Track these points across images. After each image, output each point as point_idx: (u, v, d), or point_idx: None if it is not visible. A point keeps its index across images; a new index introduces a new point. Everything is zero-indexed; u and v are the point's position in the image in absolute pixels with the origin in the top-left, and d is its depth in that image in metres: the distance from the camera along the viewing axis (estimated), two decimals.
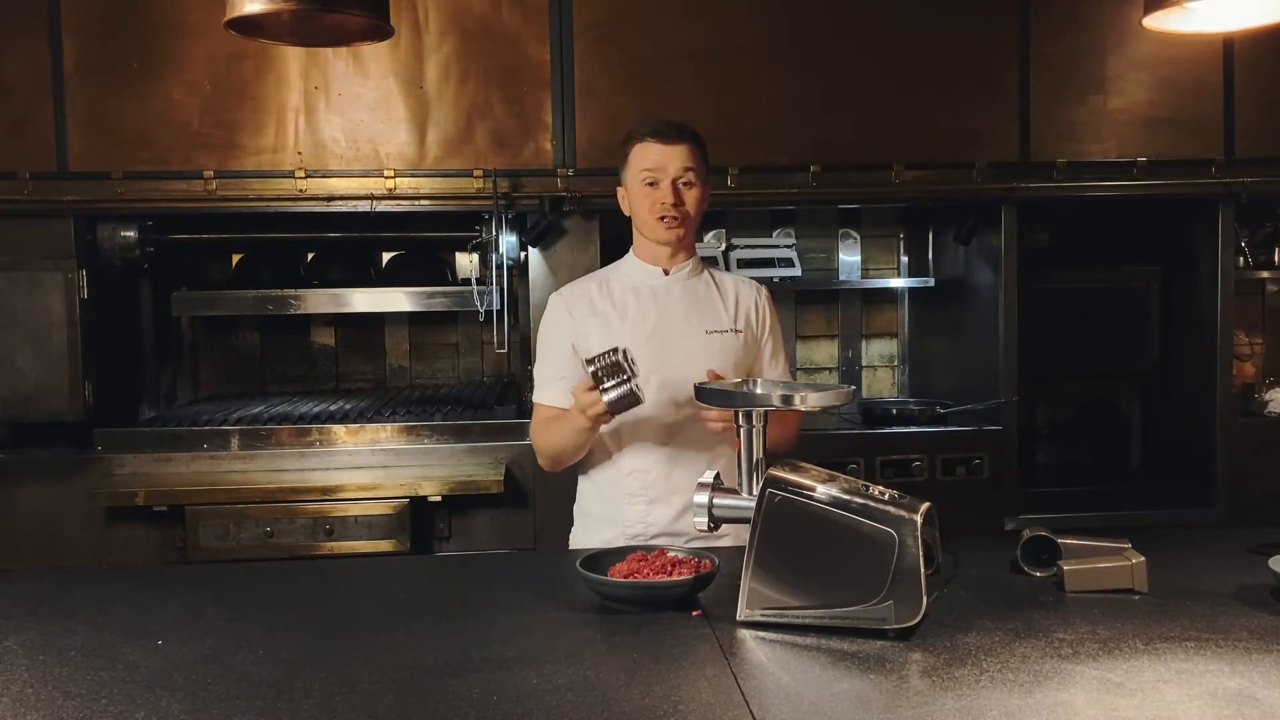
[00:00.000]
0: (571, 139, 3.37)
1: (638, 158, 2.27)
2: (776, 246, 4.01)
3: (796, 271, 3.94)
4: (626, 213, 2.35)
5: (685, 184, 2.26)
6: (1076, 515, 3.47)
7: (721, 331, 2.30)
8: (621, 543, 2.19)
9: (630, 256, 2.38)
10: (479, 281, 3.51)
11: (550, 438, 2.27)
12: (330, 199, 3.34)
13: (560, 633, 1.69)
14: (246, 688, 1.46)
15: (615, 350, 2.04)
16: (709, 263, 2.46)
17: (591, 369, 2.05)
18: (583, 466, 2.37)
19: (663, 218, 2.25)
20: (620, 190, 2.35)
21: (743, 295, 2.37)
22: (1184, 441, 3.78)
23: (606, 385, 2.03)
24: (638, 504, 2.27)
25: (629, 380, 2.03)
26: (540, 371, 2.36)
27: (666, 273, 2.33)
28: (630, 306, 2.30)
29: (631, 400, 2.05)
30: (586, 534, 2.36)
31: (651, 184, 2.25)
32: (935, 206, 3.88)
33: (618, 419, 2.15)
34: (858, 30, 3.46)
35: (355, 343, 4.15)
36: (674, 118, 2.31)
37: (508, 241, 3.41)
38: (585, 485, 2.38)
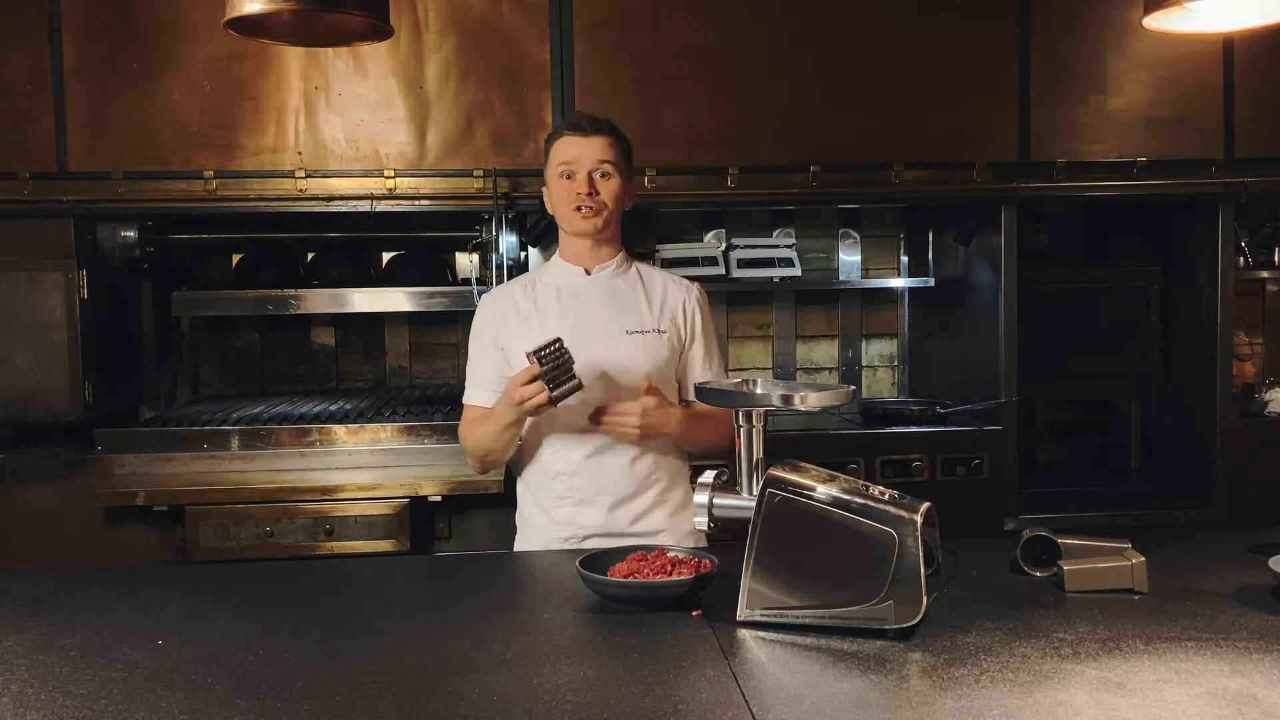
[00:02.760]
0: None
1: (556, 152, 2.29)
2: (776, 246, 4.00)
3: (796, 271, 3.94)
4: (550, 211, 2.36)
5: (602, 175, 2.26)
6: (1076, 515, 3.47)
7: (643, 332, 2.29)
8: (556, 546, 2.23)
9: (556, 258, 2.39)
10: (479, 281, 3.51)
11: (478, 437, 2.28)
12: (330, 199, 3.34)
13: (560, 633, 1.69)
14: (246, 688, 1.46)
15: (557, 341, 2.08)
16: (642, 259, 2.45)
17: (539, 358, 2.07)
18: (519, 472, 2.37)
19: (578, 208, 2.25)
20: (544, 190, 2.37)
21: (670, 295, 2.35)
22: (1184, 441, 3.78)
23: (551, 375, 2.08)
24: (565, 506, 2.27)
25: (569, 368, 2.08)
26: (469, 373, 2.37)
27: (588, 272, 2.33)
28: (551, 307, 2.31)
29: (574, 388, 2.10)
30: (525, 540, 2.36)
31: (568, 176, 2.27)
32: (935, 206, 3.88)
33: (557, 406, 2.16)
34: (858, 30, 3.46)
35: (355, 343, 4.15)
36: (595, 114, 2.33)
37: (508, 241, 3.41)
38: (522, 492, 2.39)
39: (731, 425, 2.32)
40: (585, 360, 2.20)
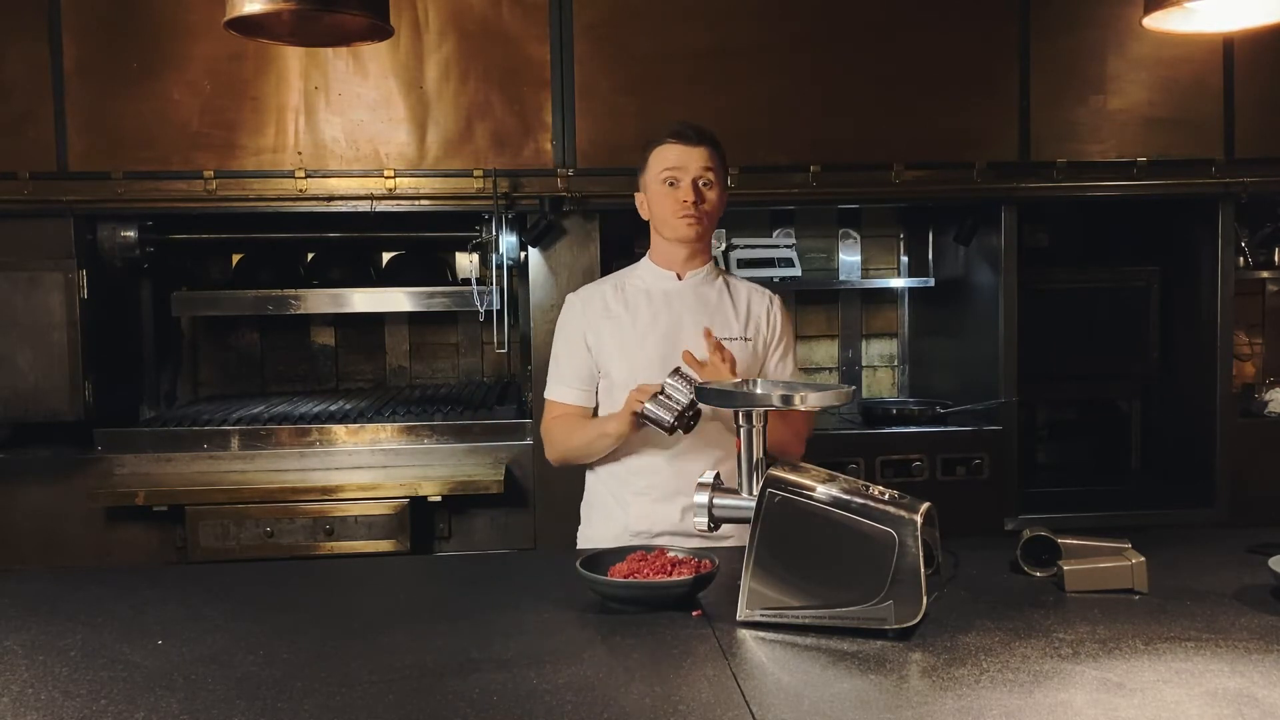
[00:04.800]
0: (571, 139, 3.37)
1: (658, 159, 2.30)
2: (776, 246, 4.01)
3: (796, 271, 3.94)
4: (645, 216, 2.38)
5: (705, 184, 2.29)
6: (1076, 515, 3.47)
7: (731, 339, 2.32)
8: (626, 540, 2.21)
9: (646, 260, 2.41)
10: (479, 281, 3.51)
11: (574, 439, 2.32)
12: (330, 199, 3.34)
13: (560, 633, 1.69)
14: (246, 688, 1.46)
15: (692, 382, 2.09)
16: (723, 270, 2.47)
17: (672, 382, 2.10)
18: (591, 465, 2.39)
19: (684, 215, 2.27)
20: (639, 195, 2.38)
21: (755, 303, 2.39)
22: (1184, 441, 3.78)
23: (666, 400, 2.09)
24: (643, 502, 2.29)
25: (683, 414, 2.09)
26: (554, 369, 2.40)
27: (680, 277, 2.36)
28: (642, 309, 2.33)
29: (661, 424, 2.11)
30: (593, 530, 2.38)
31: (671, 183, 2.28)
32: (935, 206, 3.88)
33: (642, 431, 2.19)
34: (858, 30, 3.45)
35: (355, 343, 4.15)
36: (698, 123, 2.34)
37: (508, 241, 3.41)
38: (593, 483, 2.41)
39: (805, 424, 2.36)
40: (676, 363, 2.23)
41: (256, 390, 4.07)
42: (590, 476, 2.41)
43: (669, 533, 2.25)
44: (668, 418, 2.10)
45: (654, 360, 2.25)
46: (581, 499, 2.45)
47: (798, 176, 3.46)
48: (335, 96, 3.33)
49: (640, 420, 2.14)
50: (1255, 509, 3.50)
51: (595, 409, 2.37)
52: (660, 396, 2.10)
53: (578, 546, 2.38)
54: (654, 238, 2.39)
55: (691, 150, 2.28)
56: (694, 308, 2.34)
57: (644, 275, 2.39)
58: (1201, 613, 1.71)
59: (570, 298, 2.43)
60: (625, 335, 2.30)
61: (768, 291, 2.45)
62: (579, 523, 2.45)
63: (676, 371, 2.12)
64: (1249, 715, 1.33)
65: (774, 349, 2.40)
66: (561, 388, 2.38)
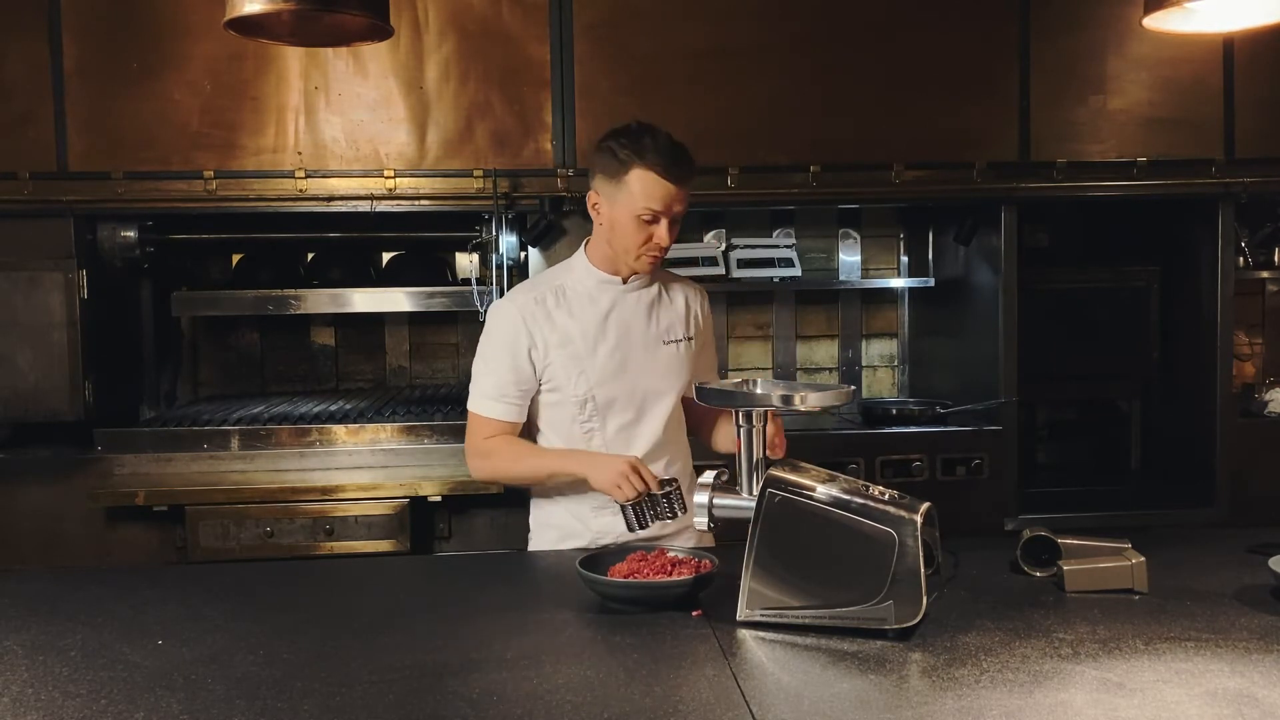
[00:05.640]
0: (571, 139, 3.37)
1: (641, 186, 2.10)
2: (776, 246, 4.00)
3: (796, 271, 3.94)
4: (600, 223, 2.19)
5: (675, 219, 2.16)
6: (1076, 515, 3.47)
7: (676, 340, 2.28)
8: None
9: (584, 261, 2.26)
10: (479, 281, 3.51)
11: (515, 464, 2.22)
12: (330, 199, 3.34)
13: (560, 633, 1.69)
14: (246, 688, 1.46)
15: (675, 483, 2.06)
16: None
17: (671, 499, 2.05)
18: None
19: (653, 256, 2.17)
20: (592, 195, 2.19)
21: (690, 300, 2.35)
22: (1184, 441, 3.78)
23: (646, 508, 2.04)
24: (605, 515, 2.21)
25: (674, 511, 2.05)
26: (484, 382, 2.22)
27: (624, 280, 2.25)
28: (589, 317, 2.21)
29: (631, 526, 2.06)
30: (550, 545, 2.30)
31: (650, 220, 2.13)
32: (935, 206, 3.88)
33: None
34: (858, 30, 3.45)
35: (355, 343, 4.15)
36: (677, 140, 2.15)
37: (508, 241, 3.41)
38: (541, 496, 2.32)
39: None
40: (629, 372, 2.21)
41: (256, 390, 4.07)
42: (538, 491, 2.31)
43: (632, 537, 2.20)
44: (642, 527, 2.04)
45: (608, 372, 2.19)
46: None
47: (798, 176, 3.45)
48: (335, 96, 3.33)
49: (618, 507, 2.06)
50: (1255, 509, 3.50)
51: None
52: (655, 503, 2.03)
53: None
54: (602, 246, 2.22)
55: (678, 191, 2.12)
56: (641, 313, 2.25)
57: (583, 279, 2.24)
58: (1201, 613, 1.71)
59: (503, 305, 2.25)
60: (575, 347, 2.18)
61: (692, 283, 2.39)
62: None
63: (674, 483, 2.06)
64: (1249, 715, 1.33)
65: (708, 342, 2.37)
66: (492, 403, 2.21)
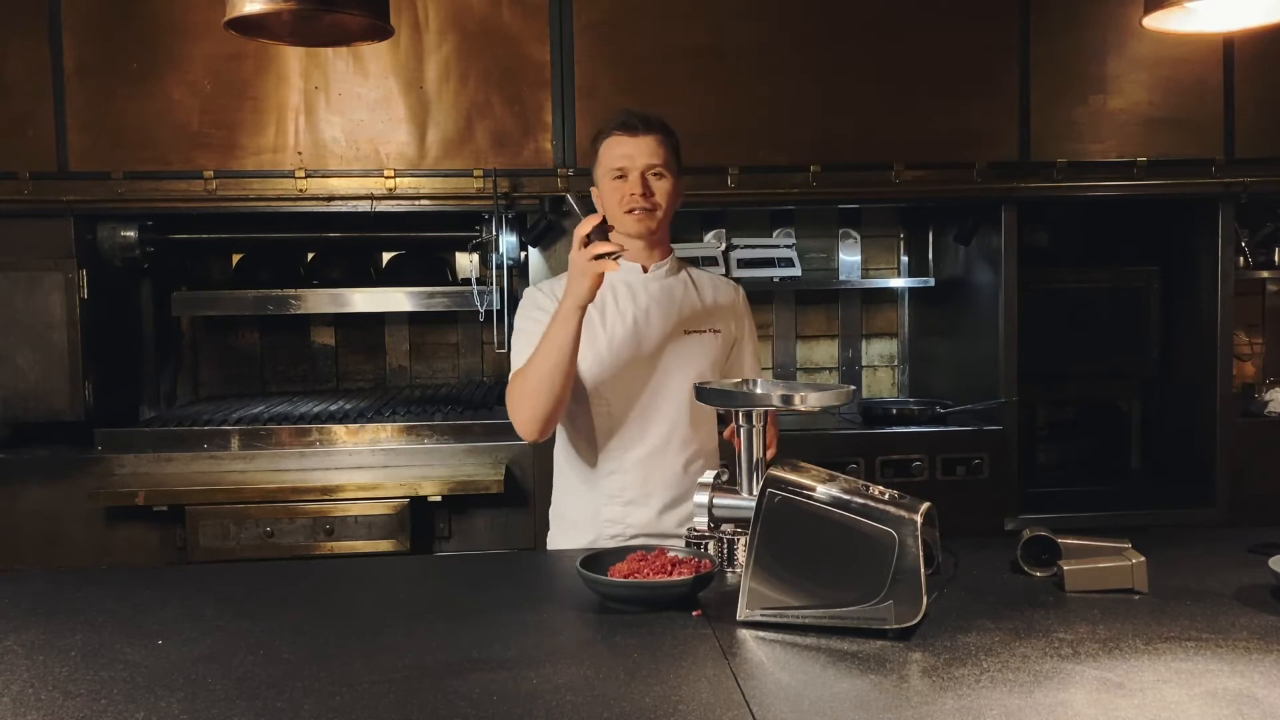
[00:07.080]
0: (571, 139, 3.37)
1: (606, 153, 2.23)
2: (776, 246, 4.00)
3: (796, 271, 3.94)
4: (601, 212, 2.25)
5: (655, 174, 2.21)
6: (1076, 515, 3.47)
7: (700, 332, 2.29)
8: (601, 544, 2.19)
9: None
10: (479, 281, 3.51)
11: (530, 368, 2.14)
12: (330, 199, 3.34)
13: (560, 633, 1.69)
14: (246, 688, 1.46)
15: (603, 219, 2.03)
16: (687, 263, 2.42)
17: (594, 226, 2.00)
18: (559, 470, 2.35)
19: (632, 210, 2.21)
20: (594, 190, 2.31)
21: (721, 295, 2.36)
22: (1184, 441, 3.78)
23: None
24: (615, 505, 2.24)
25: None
26: (520, 347, 2.24)
27: (645, 270, 2.30)
28: (608, 302, 2.26)
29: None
30: (565, 537, 2.33)
31: (620, 177, 2.21)
32: (935, 206, 3.88)
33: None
34: (858, 30, 3.46)
35: (355, 343, 4.16)
36: (647, 111, 2.25)
37: (508, 241, 3.41)
38: (561, 489, 2.36)
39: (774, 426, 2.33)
40: (645, 359, 2.21)
41: (256, 390, 4.07)
42: (559, 483, 2.37)
43: (645, 534, 2.21)
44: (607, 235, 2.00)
45: (621, 352, 2.21)
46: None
47: (798, 176, 3.46)
48: (335, 96, 3.33)
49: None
50: (1255, 509, 3.50)
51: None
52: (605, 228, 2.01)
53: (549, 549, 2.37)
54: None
55: (639, 140, 2.20)
56: (662, 302, 2.29)
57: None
58: (1201, 613, 1.71)
59: (533, 291, 2.33)
60: (592, 328, 2.21)
61: (732, 283, 2.42)
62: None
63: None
64: (1249, 715, 1.33)
65: (740, 342, 2.37)
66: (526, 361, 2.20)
